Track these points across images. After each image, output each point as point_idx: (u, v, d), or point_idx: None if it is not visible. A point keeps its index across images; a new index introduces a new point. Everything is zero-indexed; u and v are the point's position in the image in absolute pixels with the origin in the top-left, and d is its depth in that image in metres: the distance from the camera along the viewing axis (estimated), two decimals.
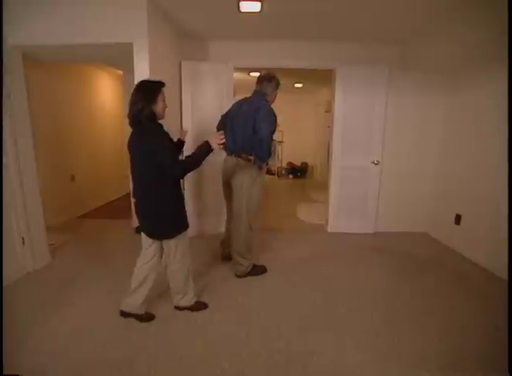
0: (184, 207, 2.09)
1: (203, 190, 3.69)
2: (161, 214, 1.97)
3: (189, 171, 1.96)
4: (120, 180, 5.25)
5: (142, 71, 2.58)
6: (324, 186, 4.60)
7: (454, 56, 3.11)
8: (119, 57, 3.13)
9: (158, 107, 1.91)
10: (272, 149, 3.04)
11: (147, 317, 2.18)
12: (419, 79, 3.72)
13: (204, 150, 1.96)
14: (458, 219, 3.46)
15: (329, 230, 4.06)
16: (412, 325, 2.16)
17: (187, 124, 3.56)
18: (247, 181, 2.57)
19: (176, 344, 1.95)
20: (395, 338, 2.01)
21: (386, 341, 1.99)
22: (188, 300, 2.24)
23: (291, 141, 8.55)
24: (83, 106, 4.80)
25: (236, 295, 2.51)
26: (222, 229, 3.29)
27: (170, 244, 2.04)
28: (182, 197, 2.08)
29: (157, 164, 1.85)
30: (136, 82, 2.55)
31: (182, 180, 2.12)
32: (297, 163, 8.64)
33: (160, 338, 2.01)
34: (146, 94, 1.88)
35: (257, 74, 5.24)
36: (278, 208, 5.23)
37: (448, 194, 3.67)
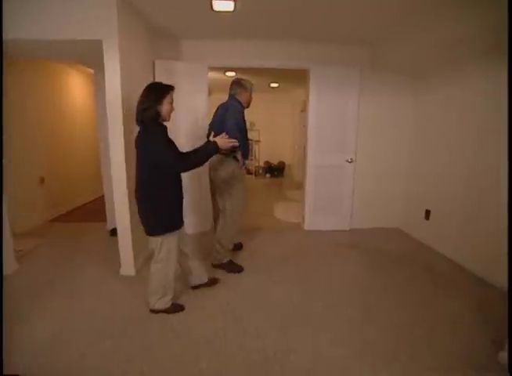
0: (177, 209, 2.13)
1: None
2: (149, 210, 2.04)
3: (192, 168, 2.04)
4: (94, 182, 5.09)
5: (113, 70, 2.50)
6: (301, 185, 4.65)
7: (423, 57, 3.16)
8: (89, 55, 3.01)
9: (163, 109, 1.98)
10: (250, 148, 3.10)
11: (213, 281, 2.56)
12: (390, 80, 3.85)
13: (212, 151, 2.07)
14: (427, 214, 3.61)
15: (305, 228, 4.12)
16: (386, 319, 2.22)
17: None
18: (228, 175, 2.72)
19: (152, 346, 1.92)
20: (369, 333, 2.07)
21: (361, 336, 2.04)
22: (165, 302, 2.21)
23: (268, 140, 8.60)
24: (53, 104, 4.62)
25: (213, 295, 2.50)
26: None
27: (155, 241, 2.08)
28: (175, 199, 2.11)
29: (153, 164, 1.93)
30: (107, 80, 2.53)
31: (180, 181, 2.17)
32: (274, 162, 8.70)
33: (135, 340, 1.97)
34: (153, 94, 1.96)
35: (233, 74, 5.30)
36: (255, 207, 5.24)
37: (419, 191, 3.82)
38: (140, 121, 1.97)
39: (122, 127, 2.59)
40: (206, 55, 3.74)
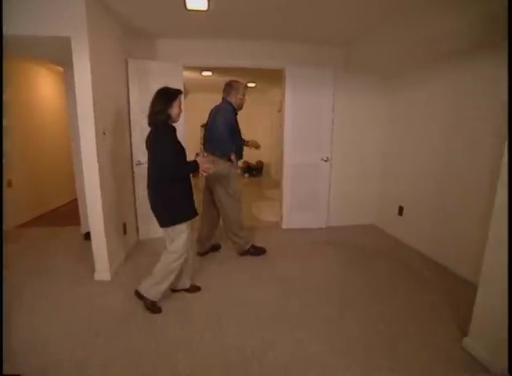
0: (186, 204, 2.24)
1: None
2: (159, 205, 2.20)
3: (180, 176, 2.21)
4: (68, 184, 4.91)
5: (82, 68, 2.41)
6: (279, 184, 4.68)
7: (400, 56, 3.25)
8: (57, 53, 2.90)
9: (173, 111, 2.15)
10: (243, 148, 3.34)
11: (195, 288, 2.56)
12: (365, 79, 3.95)
13: (192, 169, 2.25)
14: (401, 210, 3.73)
15: (283, 227, 4.16)
16: (363, 316, 2.26)
17: (136, 125, 3.43)
18: (221, 172, 2.89)
19: (132, 349, 1.89)
20: (346, 330, 2.12)
21: (338, 333, 2.08)
22: (157, 291, 2.24)
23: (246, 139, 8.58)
24: (20, 103, 4.41)
25: (193, 296, 2.49)
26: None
27: (167, 232, 2.24)
28: (184, 195, 2.23)
29: (160, 162, 2.09)
30: (76, 79, 2.45)
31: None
32: (253, 161, 8.70)
33: (113, 344, 1.93)
34: (164, 99, 2.12)
35: (209, 74, 5.25)
36: None
37: (394, 189, 3.94)
38: (153, 123, 2.13)
39: (94, 127, 2.52)
40: (181, 54, 3.69)
